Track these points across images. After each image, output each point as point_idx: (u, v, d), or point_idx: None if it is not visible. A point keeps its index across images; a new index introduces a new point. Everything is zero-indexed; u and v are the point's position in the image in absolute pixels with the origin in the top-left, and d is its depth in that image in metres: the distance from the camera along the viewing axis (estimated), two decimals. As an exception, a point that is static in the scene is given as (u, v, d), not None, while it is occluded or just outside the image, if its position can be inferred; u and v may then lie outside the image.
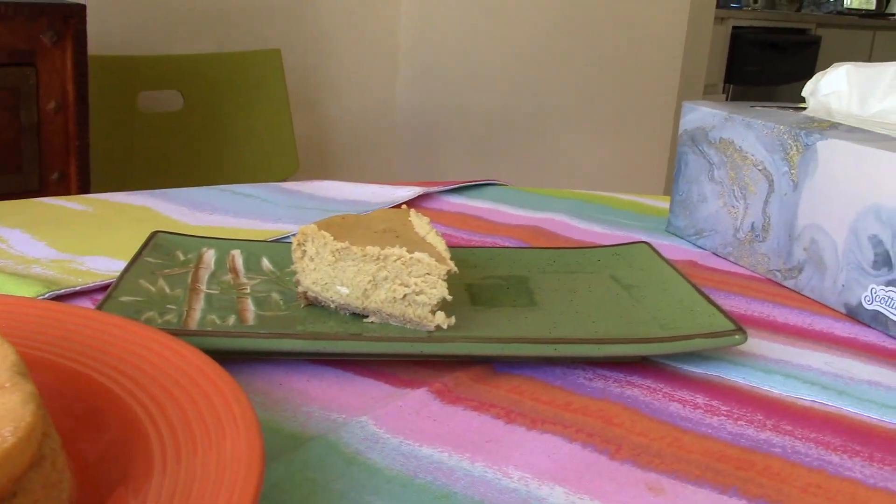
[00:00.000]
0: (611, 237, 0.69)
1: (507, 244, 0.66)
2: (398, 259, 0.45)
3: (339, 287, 0.46)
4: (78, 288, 0.50)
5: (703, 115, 0.67)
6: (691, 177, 0.68)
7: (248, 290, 0.50)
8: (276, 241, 0.61)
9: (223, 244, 0.55)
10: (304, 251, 0.47)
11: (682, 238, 0.70)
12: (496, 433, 0.38)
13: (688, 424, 0.40)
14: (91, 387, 0.34)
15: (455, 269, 0.45)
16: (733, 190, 0.64)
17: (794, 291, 0.59)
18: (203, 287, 0.50)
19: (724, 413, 0.41)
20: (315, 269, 0.47)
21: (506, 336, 0.46)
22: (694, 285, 0.51)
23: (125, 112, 1.76)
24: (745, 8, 4.49)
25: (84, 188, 1.48)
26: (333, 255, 0.46)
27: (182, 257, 0.53)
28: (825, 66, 0.69)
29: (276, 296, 0.50)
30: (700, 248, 0.68)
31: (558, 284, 0.54)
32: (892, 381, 0.46)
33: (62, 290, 0.50)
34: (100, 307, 0.43)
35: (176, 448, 0.30)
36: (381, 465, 0.35)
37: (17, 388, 0.27)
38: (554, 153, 2.46)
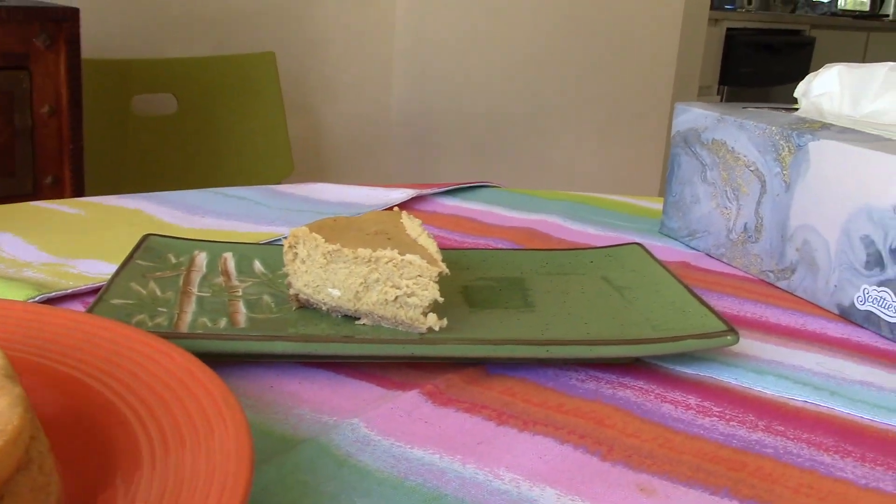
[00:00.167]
0: (604, 239, 0.69)
1: (500, 246, 0.65)
2: (390, 261, 0.45)
3: (330, 289, 0.46)
4: (69, 291, 0.50)
5: (696, 116, 0.67)
6: (684, 178, 0.68)
7: (240, 293, 0.50)
8: (269, 243, 0.61)
9: (215, 247, 0.55)
10: (296, 253, 0.47)
11: (675, 239, 0.70)
12: (488, 435, 0.38)
13: (680, 425, 0.40)
14: (80, 390, 0.34)
15: (446, 270, 0.45)
16: (726, 191, 0.64)
17: (786, 292, 0.59)
18: (194, 290, 0.50)
19: (716, 414, 0.41)
20: (306, 271, 0.47)
21: (498, 338, 0.46)
22: (686, 286, 0.51)
23: (119, 115, 1.76)
24: (739, 9, 4.49)
25: (78, 192, 1.48)
26: (325, 258, 0.46)
27: (174, 260, 0.53)
28: (819, 68, 0.69)
29: (267, 298, 0.49)
30: (693, 249, 0.68)
31: (551, 286, 0.54)
32: (885, 381, 0.46)
33: (53, 294, 0.50)
34: (90, 310, 0.43)
35: (165, 449, 0.29)
36: (372, 467, 0.35)
37: (4, 391, 0.27)
38: (549, 155, 2.46)
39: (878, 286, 0.52)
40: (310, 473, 0.34)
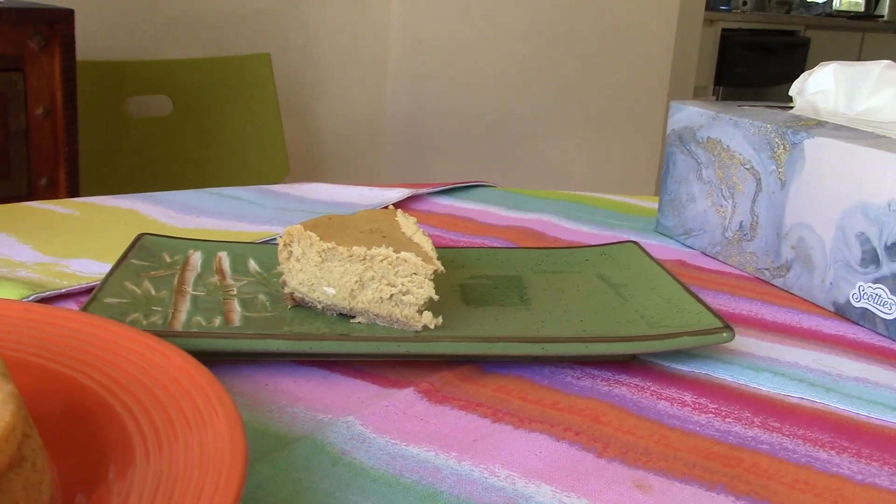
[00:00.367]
0: (599, 237, 0.69)
1: (495, 245, 0.65)
2: (385, 259, 0.45)
3: (325, 288, 0.46)
4: (63, 291, 0.50)
5: (691, 114, 0.67)
6: (679, 176, 0.68)
7: (235, 292, 0.50)
8: (264, 242, 0.61)
9: (210, 246, 0.55)
10: (291, 252, 0.47)
11: (671, 238, 0.70)
12: (483, 432, 0.38)
13: (675, 422, 0.40)
14: (73, 388, 0.34)
15: (442, 268, 0.45)
16: (721, 189, 0.64)
17: (782, 290, 0.59)
18: (189, 289, 0.49)
19: (712, 411, 0.41)
20: (301, 269, 0.47)
21: (493, 335, 0.46)
22: (682, 283, 0.51)
23: (114, 117, 1.76)
24: (734, 10, 4.50)
25: (73, 193, 1.48)
26: (320, 256, 0.46)
27: (168, 259, 0.53)
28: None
29: (262, 297, 0.49)
30: (689, 247, 0.68)
31: (546, 284, 0.54)
32: (880, 377, 0.46)
33: (47, 293, 0.49)
34: (84, 309, 0.43)
35: (158, 446, 0.29)
36: (367, 465, 0.35)
37: (-4, 388, 0.27)
38: (544, 155, 2.46)
39: (874, 283, 0.52)
40: (304, 471, 0.34)
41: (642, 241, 0.67)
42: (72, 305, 0.49)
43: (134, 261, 0.51)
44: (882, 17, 5.51)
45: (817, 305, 0.56)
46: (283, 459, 0.35)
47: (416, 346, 0.43)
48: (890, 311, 0.51)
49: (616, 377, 0.44)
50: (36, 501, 0.26)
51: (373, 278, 0.45)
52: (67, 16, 1.41)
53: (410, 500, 0.33)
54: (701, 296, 0.53)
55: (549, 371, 0.44)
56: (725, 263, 0.64)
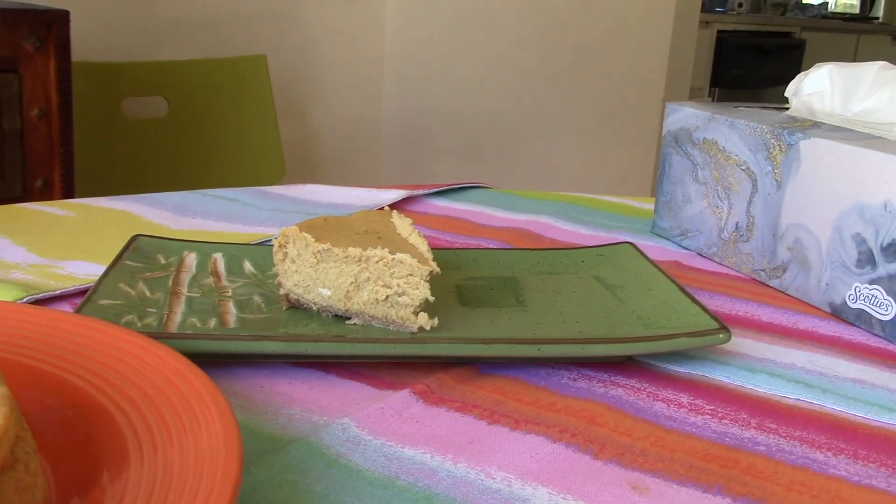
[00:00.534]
0: (595, 239, 0.69)
1: (491, 246, 0.65)
2: (380, 260, 0.44)
3: (321, 289, 0.46)
4: (57, 292, 0.50)
5: (687, 115, 0.67)
6: (675, 177, 0.68)
7: (230, 294, 0.50)
8: (259, 244, 0.61)
9: (205, 247, 0.55)
10: (286, 253, 0.47)
11: (667, 239, 0.70)
12: (479, 434, 0.38)
13: (672, 423, 0.40)
14: (67, 390, 0.33)
15: (437, 269, 0.45)
16: (717, 190, 0.64)
17: (778, 291, 0.59)
18: (184, 290, 0.49)
19: (709, 412, 0.41)
20: (297, 271, 0.46)
21: (489, 337, 0.45)
22: (678, 285, 0.50)
23: (109, 119, 1.76)
24: (729, 12, 4.50)
25: (68, 195, 1.47)
26: (315, 257, 0.46)
27: (163, 261, 0.53)
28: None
29: (257, 298, 0.49)
30: (685, 248, 0.68)
31: (542, 285, 0.53)
32: (876, 379, 0.46)
33: (41, 295, 0.49)
34: (78, 310, 0.42)
35: (153, 448, 0.29)
36: (362, 467, 0.35)
37: (-11, 390, 0.26)
38: (540, 157, 2.46)
39: (870, 284, 0.52)
40: (300, 473, 0.34)
41: (638, 242, 0.67)
42: (66, 307, 0.49)
43: (128, 262, 0.51)
44: (877, 18, 5.53)
45: (813, 306, 0.56)
46: (278, 461, 0.34)
47: (412, 347, 0.43)
48: (886, 312, 0.51)
49: (612, 378, 0.44)
50: (29, 504, 0.26)
51: (368, 279, 0.45)
52: (63, 17, 1.41)
53: (406, 503, 0.32)
54: (697, 297, 0.53)
55: (546, 372, 0.44)
56: (722, 264, 0.64)
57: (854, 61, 0.67)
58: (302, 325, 0.46)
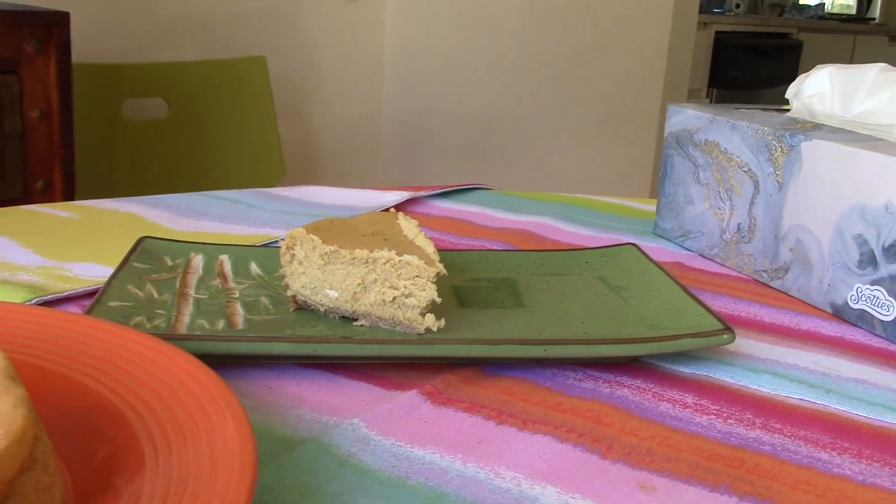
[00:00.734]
0: (597, 240, 0.69)
1: (494, 247, 0.66)
2: (387, 262, 0.45)
3: (328, 290, 0.46)
4: (65, 294, 0.50)
5: (689, 117, 0.67)
6: (677, 179, 0.69)
7: (237, 295, 0.50)
8: (264, 245, 0.61)
9: (211, 249, 0.55)
10: (293, 255, 0.47)
11: (668, 240, 0.70)
12: (487, 434, 0.38)
13: (678, 423, 0.40)
14: (82, 391, 0.34)
15: (444, 271, 0.45)
16: (719, 191, 0.64)
17: (780, 292, 0.59)
18: (192, 292, 0.50)
19: (714, 412, 0.42)
20: (304, 272, 0.47)
21: (495, 338, 0.46)
22: (682, 286, 0.51)
23: (110, 120, 1.76)
24: (727, 13, 4.51)
25: (69, 196, 1.47)
26: (322, 259, 0.46)
27: (170, 262, 0.53)
28: (807, 71, 0.69)
29: (265, 300, 0.49)
30: (687, 249, 0.68)
31: (546, 286, 0.54)
32: (879, 379, 0.47)
33: (49, 296, 0.49)
34: (88, 312, 0.43)
35: (168, 449, 0.29)
36: (373, 467, 0.35)
37: (7, 391, 0.27)
38: (540, 158, 2.46)
39: (871, 285, 0.52)
40: (311, 474, 0.34)
41: (640, 243, 0.68)
42: (74, 309, 0.49)
43: (136, 264, 0.51)
44: (874, 19, 5.53)
45: (815, 307, 0.57)
46: (289, 462, 0.35)
47: (419, 348, 0.43)
48: (888, 313, 0.51)
49: (618, 379, 0.44)
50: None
51: (375, 281, 0.45)
52: (63, 18, 1.41)
53: (417, 502, 0.33)
54: (700, 297, 0.53)
55: (552, 373, 0.44)
56: (723, 265, 0.64)
57: (851, 62, 0.68)
58: (310, 326, 0.46)
